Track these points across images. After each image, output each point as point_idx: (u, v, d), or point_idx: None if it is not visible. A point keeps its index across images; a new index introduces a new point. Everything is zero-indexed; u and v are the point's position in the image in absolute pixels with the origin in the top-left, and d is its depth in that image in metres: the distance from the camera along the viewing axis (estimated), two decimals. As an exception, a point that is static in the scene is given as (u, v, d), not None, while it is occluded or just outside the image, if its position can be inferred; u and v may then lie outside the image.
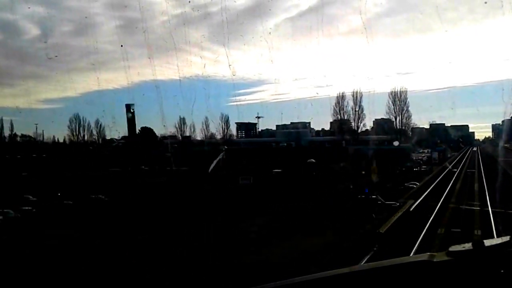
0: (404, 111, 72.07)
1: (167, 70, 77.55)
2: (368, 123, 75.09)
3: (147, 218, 28.32)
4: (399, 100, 71.77)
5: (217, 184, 40.32)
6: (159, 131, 74.99)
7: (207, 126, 76.33)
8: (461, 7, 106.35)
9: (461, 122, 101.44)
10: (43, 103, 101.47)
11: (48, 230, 27.46)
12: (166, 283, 16.20)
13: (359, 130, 73.14)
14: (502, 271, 1.85)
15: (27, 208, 34.45)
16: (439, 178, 46.28)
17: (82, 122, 76.15)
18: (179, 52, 66.78)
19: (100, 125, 75.82)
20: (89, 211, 33.39)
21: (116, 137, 75.40)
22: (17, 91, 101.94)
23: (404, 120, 73.09)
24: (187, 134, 78.66)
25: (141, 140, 67.23)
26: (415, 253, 17.33)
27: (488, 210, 26.22)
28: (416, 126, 77.24)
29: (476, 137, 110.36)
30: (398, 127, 73.20)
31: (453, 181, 43.20)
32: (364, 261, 16.14)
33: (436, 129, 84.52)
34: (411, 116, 72.95)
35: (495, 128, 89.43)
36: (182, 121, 76.18)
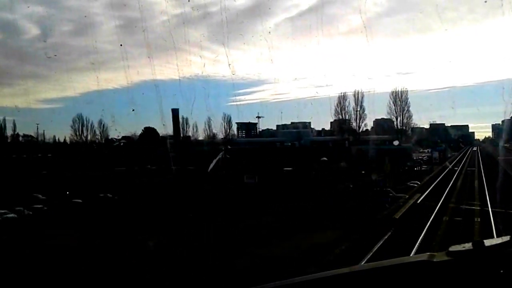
0: (405, 111, 72.66)
1: (166, 70, 77.81)
2: (368, 123, 75.76)
3: (151, 217, 28.53)
4: (400, 100, 72.30)
5: (217, 183, 40.64)
6: (159, 130, 75.27)
7: (209, 126, 76.89)
8: (461, 6, 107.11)
9: (461, 122, 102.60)
10: (43, 102, 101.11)
11: (61, 229, 27.84)
12: (166, 283, 16.27)
13: (360, 130, 73.78)
14: (502, 271, 1.85)
15: (38, 206, 34.96)
16: (440, 177, 47.37)
17: (85, 122, 76.44)
18: (178, 52, 67.44)
19: (103, 125, 76.13)
20: (98, 209, 33.89)
21: (116, 137, 75.67)
22: (16, 91, 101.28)
23: (405, 120, 73.70)
24: (190, 134, 79.05)
25: (145, 140, 67.73)
26: (424, 234, 20.67)
27: (487, 203, 28.10)
28: (416, 126, 77.95)
29: (476, 137, 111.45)
30: (398, 127, 73.80)
31: (454, 179, 44.71)
32: (385, 237, 20.08)
33: (436, 129, 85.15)
34: (411, 116, 73.51)
35: (495, 128, 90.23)
36: (185, 121, 76.52)
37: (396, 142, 68.42)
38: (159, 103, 73.98)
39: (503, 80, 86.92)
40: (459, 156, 78.93)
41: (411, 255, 17.16)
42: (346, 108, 72.12)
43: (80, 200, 37.66)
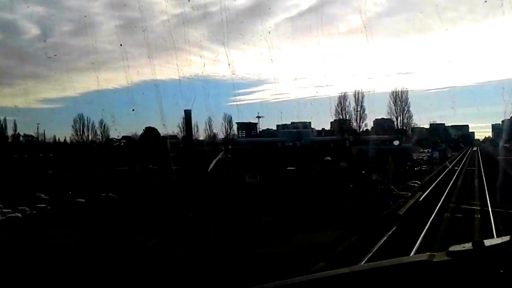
0: (405, 111, 72.89)
1: (166, 70, 77.82)
2: (368, 123, 75.98)
3: (152, 216, 28.62)
4: (400, 100, 72.47)
5: (218, 183, 40.77)
6: (159, 130, 75.30)
7: (210, 126, 77.02)
8: (461, 6, 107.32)
9: (461, 122, 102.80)
10: (43, 102, 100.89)
11: (66, 228, 27.97)
12: (166, 283, 16.33)
13: (360, 130, 73.99)
14: (502, 271, 1.85)
15: (41, 205, 35.15)
16: (441, 176, 47.97)
17: (86, 122, 76.55)
18: (178, 52, 67.49)
19: (104, 125, 76.24)
20: (101, 209, 34.06)
21: (116, 137, 75.81)
22: (16, 91, 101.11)
23: (405, 120, 73.93)
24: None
25: (146, 140, 67.87)
26: (427, 229, 21.74)
27: (487, 202, 28.68)
28: (416, 126, 78.17)
29: (476, 137, 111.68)
30: (398, 127, 74.03)
31: (455, 178, 45.50)
32: (391, 232, 21.40)
33: (436, 129, 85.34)
34: (412, 116, 73.74)
35: (495, 128, 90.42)
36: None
37: (396, 142, 68.65)
38: (159, 103, 73.94)
39: (503, 80, 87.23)
40: (459, 156, 79.18)
41: (416, 245, 18.36)
42: (346, 108, 72.47)
43: (83, 200, 37.85)
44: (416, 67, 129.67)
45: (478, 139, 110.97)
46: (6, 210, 32.05)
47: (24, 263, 19.22)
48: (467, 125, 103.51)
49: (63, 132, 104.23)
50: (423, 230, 21.36)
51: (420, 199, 33.10)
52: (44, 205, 35.44)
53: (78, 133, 76.58)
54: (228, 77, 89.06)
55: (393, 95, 72.53)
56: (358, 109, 72.12)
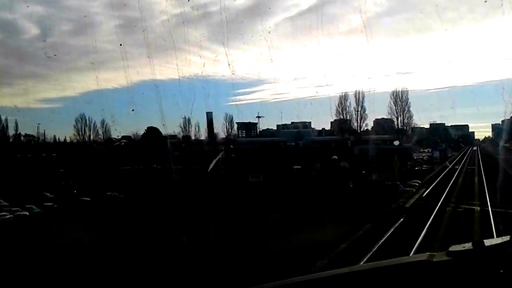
0: (405, 111, 73.23)
1: (166, 70, 77.74)
2: (369, 123, 76.29)
3: (153, 217, 28.99)
4: (400, 100, 72.77)
5: (219, 183, 41.06)
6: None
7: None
8: (461, 6, 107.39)
9: (461, 122, 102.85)
10: (42, 102, 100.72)
11: (73, 223, 28.26)
12: (166, 283, 16.45)
13: (360, 130, 74.31)
14: (502, 271, 1.85)
15: (48, 204, 35.43)
16: (442, 174, 49.00)
17: (88, 122, 76.71)
18: (178, 52, 67.41)
19: (105, 125, 76.38)
20: (106, 207, 34.36)
21: (116, 137, 75.96)
22: (16, 91, 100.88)
23: (405, 120, 74.27)
24: (192, 134, 79.35)
25: (148, 139, 68.03)
26: (432, 221, 23.46)
27: (486, 199, 29.74)
28: (416, 126, 78.54)
29: (476, 137, 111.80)
30: (399, 127, 74.38)
31: (455, 176, 46.75)
32: (399, 222, 23.88)
33: (436, 128, 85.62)
34: (412, 116, 74.02)
35: (495, 128, 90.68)
36: (188, 121, 76.82)
37: (396, 142, 68.97)
38: (159, 103, 73.96)
39: (503, 80, 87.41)
40: (459, 156, 79.67)
41: (422, 233, 19.50)
42: (347, 108, 72.76)
43: (88, 199, 38.14)
44: (416, 67, 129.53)
45: (478, 139, 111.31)
46: (14, 209, 32.35)
47: (34, 260, 19.48)
48: (467, 125, 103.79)
49: (63, 132, 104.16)
50: (427, 221, 23.39)
51: (424, 195, 35.07)
52: (51, 204, 35.72)
53: (80, 133, 76.84)
54: (228, 77, 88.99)
55: (393, 95, 72.94)
56: (359, 109, 72.52)
